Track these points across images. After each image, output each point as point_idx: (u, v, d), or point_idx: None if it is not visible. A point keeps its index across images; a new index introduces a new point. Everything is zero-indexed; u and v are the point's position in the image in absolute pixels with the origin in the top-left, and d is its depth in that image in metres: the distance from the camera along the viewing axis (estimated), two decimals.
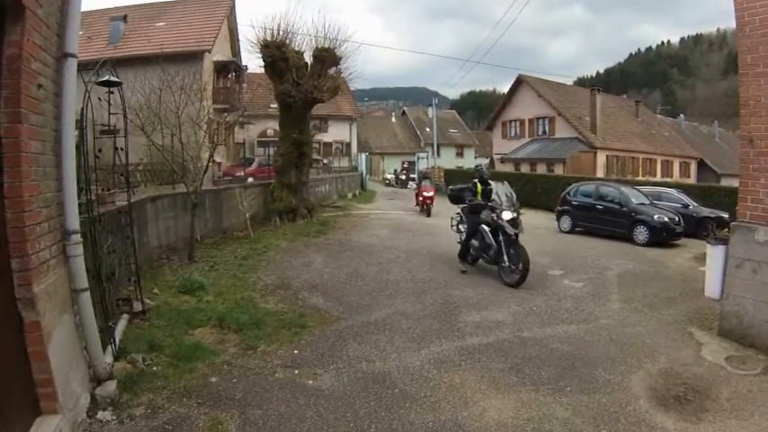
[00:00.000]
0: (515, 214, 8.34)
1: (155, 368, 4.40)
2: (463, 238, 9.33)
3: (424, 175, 21.29)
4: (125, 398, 3.84)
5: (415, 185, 32.87)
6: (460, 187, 10.37)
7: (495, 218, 8.40)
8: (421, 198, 18.71)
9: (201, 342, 5.15)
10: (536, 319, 6.39)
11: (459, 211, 9.99)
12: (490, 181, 9.44)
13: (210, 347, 5.03)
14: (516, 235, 8.13)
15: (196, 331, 5.45)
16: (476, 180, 9.44)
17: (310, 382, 4.46)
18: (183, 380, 4.27)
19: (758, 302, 5.52)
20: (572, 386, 4.49)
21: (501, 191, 8.82)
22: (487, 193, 9.12)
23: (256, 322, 5.79)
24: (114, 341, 4.36)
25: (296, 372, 4.65)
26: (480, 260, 9.17)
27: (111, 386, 3.82)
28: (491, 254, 8.50)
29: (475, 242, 8.97)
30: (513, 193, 8.83)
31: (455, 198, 10.30)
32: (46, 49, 3.35)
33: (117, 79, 4.89)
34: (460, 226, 9.84)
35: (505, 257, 8.11)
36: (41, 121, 3.28)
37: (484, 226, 8.69)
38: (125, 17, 21.96)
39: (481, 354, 5.17)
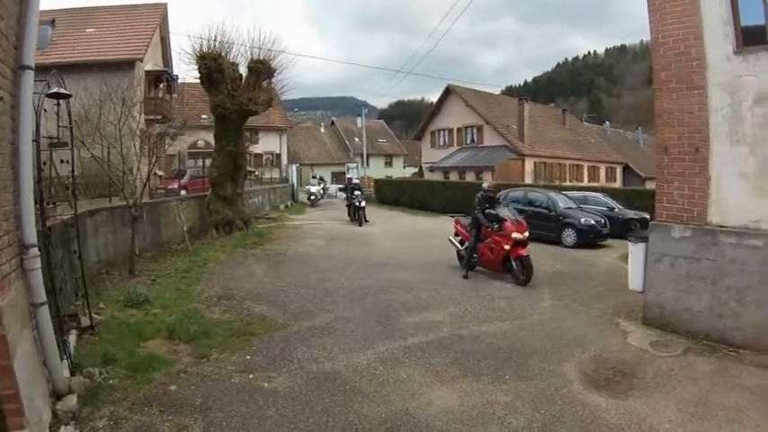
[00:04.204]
0: None
1: (111, 381, 4.34)
2: None
3: (486, 196, 9.68)
4: (86, 412, 3.79)
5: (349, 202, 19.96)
6: None
7: None
8: (507, 246, 8.88)
9: (155, 353, 5.10)
10: (472, 319, 6.74)
11: None
12: None
13: (164, 358, 5.01)
14: None
15: (147, 343, 5.39)
16: None
17: (266, 384, 4.57)
18: (142, 390, 4.25)
19: (676, 292, 6.08)
20: (510, 375, 4.86)
21: None
22: None
23: (206, 332, 5.79)
24: (69, 356, 4.27)
25: (251, 376, 4.74)
26: None
27: (72, 400, 3.75)
28: None
29: None
30: None
31: None
32: (4, 62, 3.31)
33: (66, 91, 4.80)
34: None
35: None
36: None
37: None
38: (53, 22, 20.39)
39: (423, 351, 5.46)
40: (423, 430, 3.80)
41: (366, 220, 18.86)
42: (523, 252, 8.81)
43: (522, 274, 8.69)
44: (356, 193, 19.45)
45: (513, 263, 8.88)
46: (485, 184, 10.19)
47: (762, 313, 5.37)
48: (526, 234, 9.06)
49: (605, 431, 3.83)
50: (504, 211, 9.46)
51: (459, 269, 9.85)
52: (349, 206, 20.26)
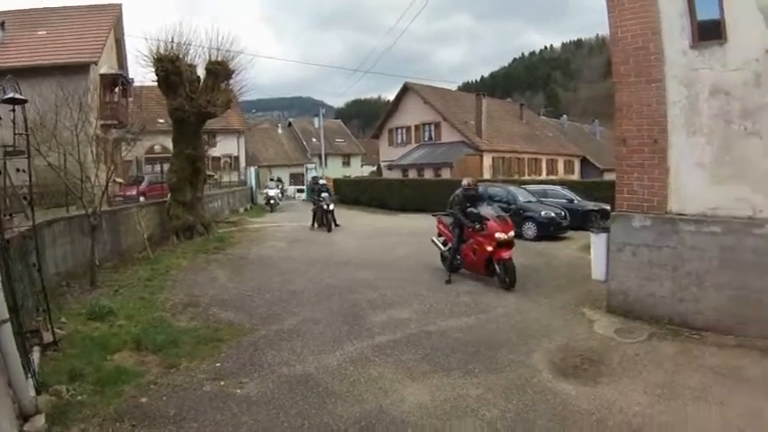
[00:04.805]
0: None
1: (80, 397, 4.16)
2: None
3: (467, 194, 8.93)
4: (55, 431, 3.62)
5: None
6: None
7: None
8: (489, 247, 8.21)
9: (122, 365, 4.92)
10: (438, 314, 6.74)
11: None
12: None
13: (133, 370, 4.84)
14: None
15: (114, 356, 5.19)
16: None
17: (238, 391, 4.49)
18: (112, 405, 4.10)
19: (639, 280, 6.18)
20: (480, 368, 4.88)
21: None
22: None
23: (173, 341, 5.62)
24: (34, 374, 4.06)
25: (222, 383, 4.64)
26: None
27: (40, 421, 3.57)
28: None
29: None
30: None
31: None
32: None
33: (22, 96, 4.57)
34: None
35: None
36: None
37: None
38: (2, 24, 19.12)
39: (392, 349, 5.46)
40: (398, 426, 3.82)
41: (336, 225, 16.83)
42: (505, 255, 8.09)
43: (505, 278, 8.05)
44: (323, 195, 17.10)
45: (497, 266, 8.19)
46: (464, 181, 9.20)
47: (721, 296, 5.56)
48: (511, 234, 8.35)
49: (577, 417, 3.89)
50: (486, 210, 8.63)
51: (424, 266, 9.84)
52: (315, 210, 17.55)
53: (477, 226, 8.42)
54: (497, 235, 8.11)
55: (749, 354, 4.99)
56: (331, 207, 16.82)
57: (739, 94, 5.47)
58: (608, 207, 12.44)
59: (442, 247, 9.58)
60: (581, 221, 14.00)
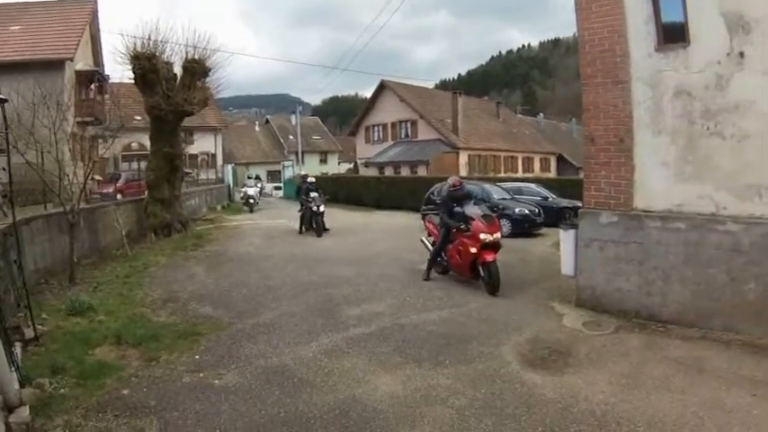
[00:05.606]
0: None
1: (62, 390, 4.21)
2: None
3: (453, 194, 8.31)
4: (39, 423, 3.66)
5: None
6: None
7: None
8: (474, 249, 7.66)
9: (104, 359, 4.97)
10: (411, 309, 6.79)
11: None
12: None
13: (114, 363, 4.90)
14: None
15: (96, 350, 5.22)
16: None
17: (217, 381, 4.57)
18: (95, 397, 4.16)
19: (606, 275, 6.22)
20: (450, 359, 4.96)
21: None
22: None
23: (153, 335, 5.67)
24: (18, 367, 4.09)
25: (201, 375, 4.72)
26: None
27: (25, 412, 3.61)
28: None
29: None
30: None
31: None
32: None
33: (2, 96, 4.57)
34: None
35: None
36: None
37: None
38: None
39: (366, 341, 5.55)
40: (370, 414, 3.93)
41: (326, 229, 14.72)
42: (489, 258, 7.55)
43: (489, 281, 7.54)
44: (312, 194, 14.93)
45: (481, 269, 7.68)
46: (450, 180, 8.60)
47: (686, 290, 5.67)
48: (497, 235, 7.78)
49: (543, 405, 3.99)
50: (472, 209, 8.07)
51: (399, 263, 9.91)
52: (303, 213, 15.31)
53: (463, 226, 7.97)
54: (482, 236, 7.60)
55: (713, 346, 5.13)
56: (321, 209, 14.65)
57: (702, 95, 5.58)
58: (581, 204, 12.56)
59: (430, 246, 9.06)
60: (555, 218, 13.67)
